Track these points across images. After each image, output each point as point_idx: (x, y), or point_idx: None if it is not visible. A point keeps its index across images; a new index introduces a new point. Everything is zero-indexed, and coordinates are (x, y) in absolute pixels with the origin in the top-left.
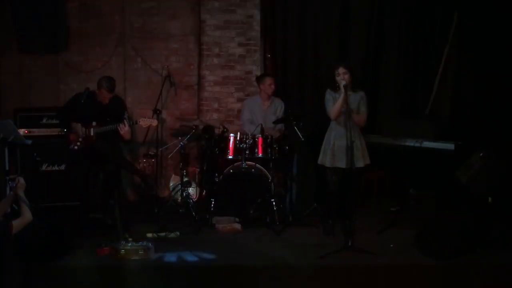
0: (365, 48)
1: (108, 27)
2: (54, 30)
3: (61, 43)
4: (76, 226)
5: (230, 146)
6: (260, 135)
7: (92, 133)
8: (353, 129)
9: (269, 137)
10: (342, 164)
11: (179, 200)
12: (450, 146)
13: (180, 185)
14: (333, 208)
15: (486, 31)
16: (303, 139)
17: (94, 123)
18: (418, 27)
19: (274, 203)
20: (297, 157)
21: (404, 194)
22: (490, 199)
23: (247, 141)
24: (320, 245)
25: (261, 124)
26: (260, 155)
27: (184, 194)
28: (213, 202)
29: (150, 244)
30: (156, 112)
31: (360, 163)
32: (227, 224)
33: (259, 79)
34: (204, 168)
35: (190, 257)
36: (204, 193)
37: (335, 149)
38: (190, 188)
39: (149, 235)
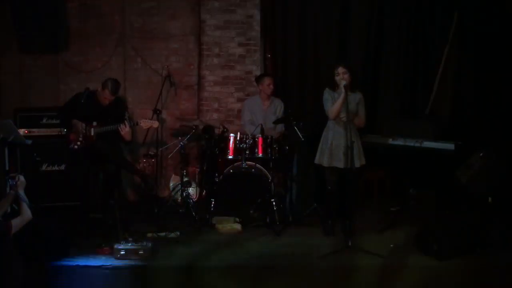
0: (365, 48)
1: (108, 27)
2: (54, 30)
3: (61, 43)
4: (76, 226)
5: (230, 146)
6: (260, 135)
7: (92, 133)
8: (352, 129)
9: (269, 137)
10: (339, 163)
11: (179, 200)
12: (450, 146)
13: (180, 185)
14: (333, 208)
15: (486, 31)
16: (303, 139)
17: (94, 123)
18: (418, 27)
19: (274, 203)
20: (297, 157)
21: (404, 194)
22: (490, 199)
23: (247, 141)
24: (320, 245)
25: (261, 124)
26: (260, 155)
27: (184, 194)
28: (213, 202)
29: (150, 244)
30: (156, 112)
31: (356, 164)
32: (227, 224)
33: (258, 79)
34: (204, 168)
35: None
36: (204, 193)
37: (333, 149)
38: (190, 188)
39: (149, 235)
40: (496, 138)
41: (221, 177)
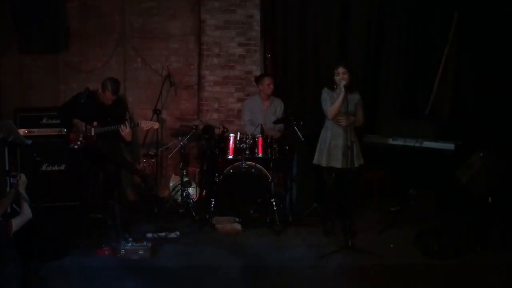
0: (365, 48)
1: (108, 27)
2: (54, 30)
3: (61, 43)
4: (76, 226)
5: (230, 146)
6: (260, 135)
7: (92, 133)
8: (351, 130)
9: (269, 137)
10: (337, 163)
11: (179, 200)
12: (450, 146)
13: (180, 185)
14: (333, 208)
15: (486, 31)
16: (303, 139)
17: (95, 123)
18: (418, 27)
19: (274, 203)
20: (297, 157)
21: (404, 194)
22: (490, 199)
23: (247, 141)
24: (320, 245)
25: (261, 124)
26: (260, 155)
27: (184, 194)
28: (213, 202)
29: (150, 244)
30: (156, 112)
31: (355, 164)
32: (227, 224)
33: (257, 80)
34: (204, 168)
35: None
36: (204, 193)
37: (331, 149)
38: (190, 188)
39: (149, 235)
40: (496, 138)
41: (221, 177)
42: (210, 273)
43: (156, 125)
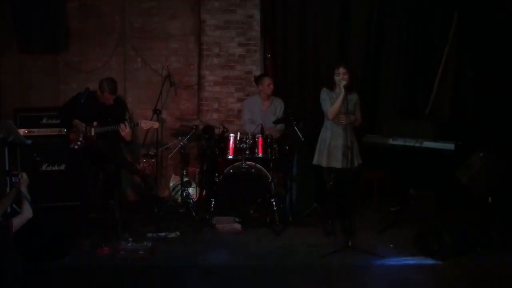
0: (365, 48)
1: (108, 27)
2: (54, 30)
3: (61, 43)
4: (76, 226)
5: (230, 146)
6: (260, 135)
7: (92, 133)
8: (350, 129)
9: (269, 137)
10: (337, 164)
11: (179, 200)
12: (450, 146)
13: (180, 185)
14: (333, 208)
15: (486, 31)
16: (303, 139)
17: (95, 123)
18: (418, 27)
19: (274, 203)
20: (297, 157)
21: (404, 194)
22: (490, 199)
23: (247, 141)
24: (320, 245)
25: (261, 124)
26: (260, 155)
27: (184, 194)
28: (213, 202)
29: (150, 244)
30: (156, 112)
31: (355, 163)
32: (227, 224)
33: (257, 80)
34: (204, 168)
35: None
36: (204, 193)
37: (331, 149)
38: (190, 188)
39: (149, 235)
40: (496, 138)
41: (221, 177)
42: (210, 273)
43: (156, 125)
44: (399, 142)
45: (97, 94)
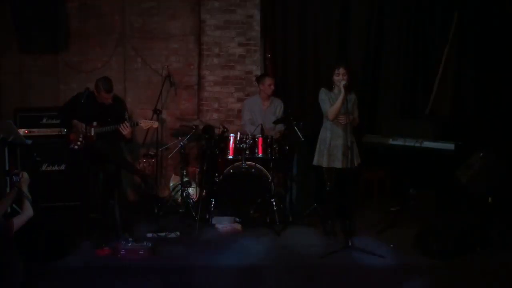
0: (365, 48)
1: (108, 27)
2: (54, 30)
3: (61, 43)
4: (76, 226)
5: (230, 146)
6: (260, 135)
7: (92, 133)
8: (350, 129)
9: (269, 137)
10: (338, 164)
11: (179, 200)
12: (450, 146)
13: (180, 185)
14: (333, 208)
15: (486, 31)
16: (303, 139)
17: (94, 123)
18: (418, 27)
19: (274, 203)
20: (297, 157)
21: (404, 194)
22: (490, 199)
23: (247, 141)
24: (320, 245)
25: (261, 124)
26: (260, 155)
27: (184, 194)
28: (213, 202)
29: (150, 244)
30: (156, 112)
31: (355, 163)
32: (227, 224)
33: (258, 79)
34: (204, 168)
35: None
36: (204, 193)
37: (331, 149)
38: (190, 188)
39: (149, 235)
40: (496, 138)
41: (221, 177)
42: (210, 273)
43: (155, 124)
44: (399, 142)
45: (95, 95)
